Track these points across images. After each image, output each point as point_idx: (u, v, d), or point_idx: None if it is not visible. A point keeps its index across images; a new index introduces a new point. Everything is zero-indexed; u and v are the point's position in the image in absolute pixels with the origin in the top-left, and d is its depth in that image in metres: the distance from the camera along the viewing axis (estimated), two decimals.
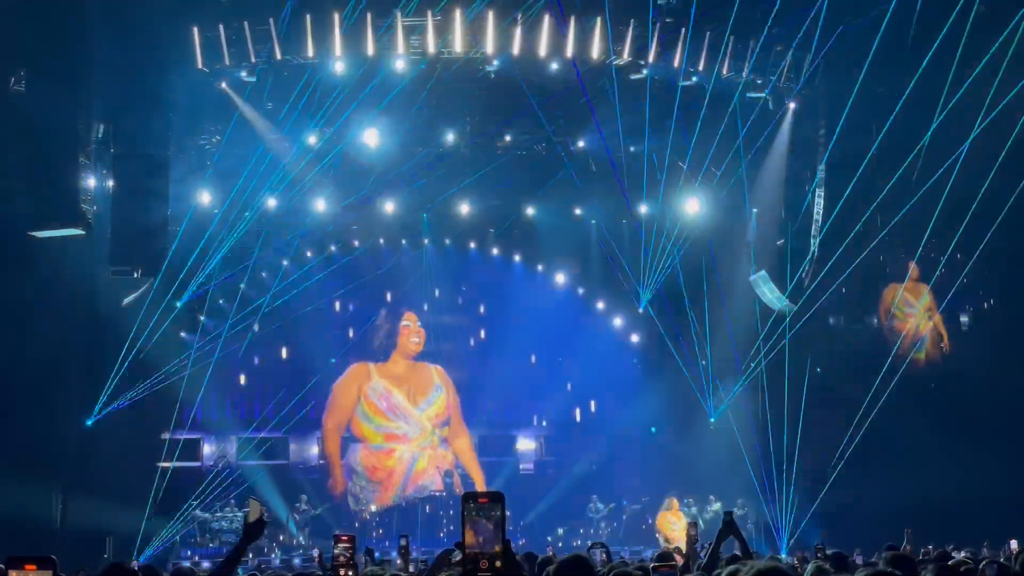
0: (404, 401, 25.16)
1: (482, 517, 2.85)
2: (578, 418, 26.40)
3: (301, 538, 22.46)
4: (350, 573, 5.40)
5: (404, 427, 25.09)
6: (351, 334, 25.31)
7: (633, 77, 19.44)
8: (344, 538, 5.50)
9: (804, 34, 18.82)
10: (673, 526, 19.06)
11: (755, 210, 22.23)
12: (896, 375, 20.43)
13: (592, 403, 25.92)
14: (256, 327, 22.98)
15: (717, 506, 22.46)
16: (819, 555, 8.18)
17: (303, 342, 24.32)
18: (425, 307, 25.71)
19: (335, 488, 24.46)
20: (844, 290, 21.86)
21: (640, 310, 23.56)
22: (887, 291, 23.12)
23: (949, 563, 7.07)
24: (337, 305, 25.04)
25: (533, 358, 26.18)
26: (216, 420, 23.82)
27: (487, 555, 2.82)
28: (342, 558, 5.44)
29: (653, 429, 24.44)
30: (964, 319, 24.19)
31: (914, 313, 23.11)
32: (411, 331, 25.31)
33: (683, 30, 18.86)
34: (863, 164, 19.43)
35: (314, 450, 24.96)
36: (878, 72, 18.14)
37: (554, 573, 4.42)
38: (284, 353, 24.59)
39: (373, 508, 24.34)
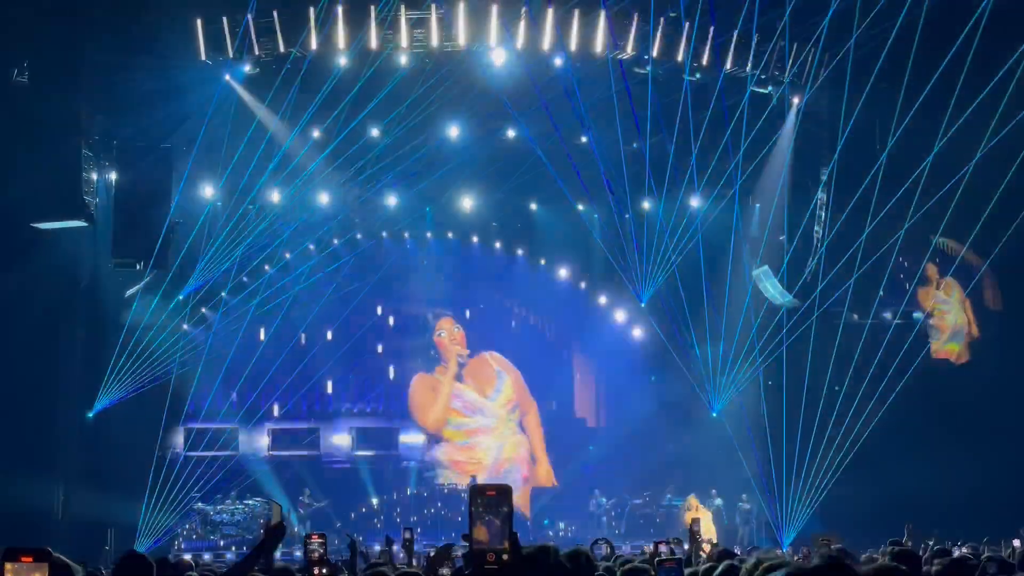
0: (476, 396, 25.64)
1: (490, 510, 2.83)
2: (579, 413, 26.39)
3: (301, 531, 22.47)
4: (324, 570, 5.48)
5: (482, 420, 25.65)
6: (349, 327, 25.29)
7: (637, 72, 19.39)
8: (315, 537, 5.62)
9: (810, 30, 18.77)
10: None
11: (758, 205, 22.20)
12: (900, 372, 20.40)
13: (594, 397, 25.90)
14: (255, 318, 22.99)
15: (719, 501, 22.48)
16: (825, 548, 8.13)
17: (299, 335, 24.33)
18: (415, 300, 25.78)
19: None
20: (847, 285, 21.82)
21: (642, 305, 23.54)
22: (922, 293, 23.17)
23: (951, 559, 7.06)
24: (339, 299, 24.98)
25: (535, 352, 26.19)
26: (215, 411, 23.79)
27: (494, 549, 2.80)
28: (315, 555, 5.55)
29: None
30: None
31: (950, 309, 23.23)
32: (446, 339, 25.54)
33: (687, 25, 18.81)
34: (868, 159, 19.39)
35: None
36: (884, 69, 18.09)
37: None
38: (284, 347, 24.54)
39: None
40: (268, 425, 24.46)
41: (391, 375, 25.91)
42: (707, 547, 10.16)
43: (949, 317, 23.27)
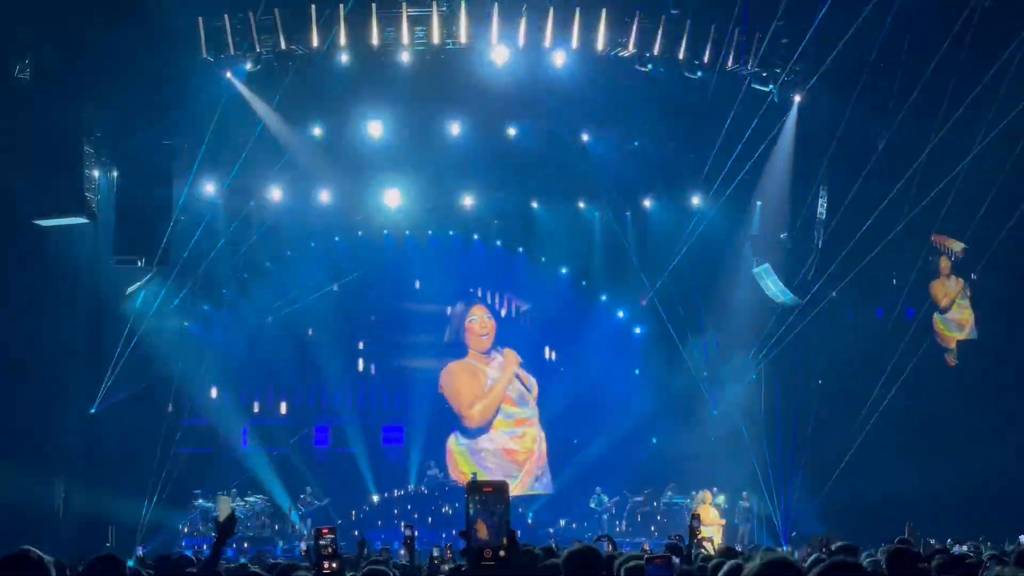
0: (523, 387, 25.89)
1: (487, 507, 2.84)
2: (580, 410, 26.39)
3: (303, 528, 22.50)
4: (334, 565, 5.48)
5: (527, 411, 25.94)
6: (350, 324, 25.32)
7: (638, 69, 19.38)
8: (326, 531, 5.62)
9: (810, 27, 18.73)
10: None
11: (759, 203, 22.18)
12: (898, 369, 20.39)
13: (595, 395, 25.91)
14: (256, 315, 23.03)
15: (721, 499, 22.50)
16: (823, 549, 8.12)
17: (302, 332, 24.34)
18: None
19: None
20: (846, 283, 21.82)
21: (644, 302, 23.55)
22: (935, 286, 23.12)
23: (951, 558, 7.06)
24: (339, 296, 25.01)
25: (536, 350, 26.25)
26: (215, 407, 23.81)
27: (492, 545, 2.81)
28: (327, 550, 5.54)
29: (655, 440, 24.55)
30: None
31: (967, 305, 23.27)
32: (478, 325, 25.67)
33: (688, 22, 18.79)
34: (868, 156, 19.38)
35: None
36: (884, 66, 18.08)
37: (564, 563, 4.43)
38: (283, 343, 24.56)
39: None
40: (267, 422, 24.49)
41: (392, 372, 25.91)
42: (708, 545, 10.15)
43: (967, 312, 23.29)
